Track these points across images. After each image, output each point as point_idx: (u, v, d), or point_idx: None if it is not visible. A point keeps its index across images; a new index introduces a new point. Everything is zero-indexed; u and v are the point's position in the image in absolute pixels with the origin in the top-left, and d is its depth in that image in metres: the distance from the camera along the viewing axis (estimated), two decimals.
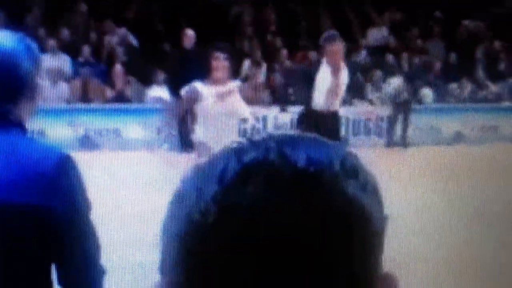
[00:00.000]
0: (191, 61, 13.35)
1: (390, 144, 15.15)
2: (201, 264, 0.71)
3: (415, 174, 10.24)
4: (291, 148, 0.72)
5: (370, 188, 0.74)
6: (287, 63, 16.54)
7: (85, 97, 14.79)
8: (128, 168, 10.72)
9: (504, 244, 7.49)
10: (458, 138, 15.64)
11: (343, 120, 15.12)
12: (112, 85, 15.08)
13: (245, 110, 8.12)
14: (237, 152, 0.73)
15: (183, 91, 8.38)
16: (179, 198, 0.74)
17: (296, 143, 0.73)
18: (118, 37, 16.04)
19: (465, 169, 10.94)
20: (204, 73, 11.29)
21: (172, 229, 0.73)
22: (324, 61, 8.90)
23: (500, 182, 10.12)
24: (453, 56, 17.61)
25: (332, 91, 8.59)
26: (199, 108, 7.90)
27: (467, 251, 7.20)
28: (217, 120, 7.64)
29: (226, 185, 0.71)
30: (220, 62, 7.87)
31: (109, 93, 14.95)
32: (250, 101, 8.32)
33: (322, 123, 8.41)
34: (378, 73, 16.01)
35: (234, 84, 8.10)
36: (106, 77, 15.26)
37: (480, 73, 17.57)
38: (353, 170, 0.73)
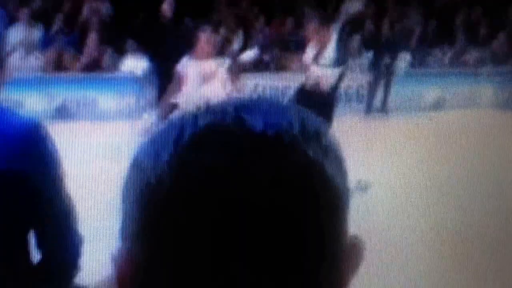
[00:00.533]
0: (169, 30, 13.25)
1: (370, 110, 15.16)
2: (158, 231, 0.70)
3: (395, 140, 10.24)
4: (249, 111, 0.71)
5: (332, 151, 0.73)
6: (265, 30, 16.54)
7: (60, 67, 14.68)
8: (105, 138, 10.66)
9: (486, 210, 7.55)
10: (439, 104, 15.70)
11: None
12: (87, 54, 14.95)
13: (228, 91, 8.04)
14: (194, 116, 0.72)
15: (179, 67, 8.33)
16: (136, 164, 0.73)
17: (254, 106, 0.73)
18: (93, 6, 15.89)
19: (445, 135, 10.99)
20: (182, 42, 11.13)
21: (130, 196, 0.73)
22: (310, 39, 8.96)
23: (480, 148, 10.18)
24: (433, 22, 17.61)
25: (321, 63, 8.64)
26: (183, 84, 7.92)
27: (447, 217, 7.24)
28: (199, 97, 7.60)
29: (181, 149, 0.70)
30: (207, 36, 7.85)
31: (84, 62, 14.84)
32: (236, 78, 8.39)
33: (317, 97, 8.47)
34: (358, 40, 15.96)
35: (221, 63, 8.03)
36: (81, 47, 15.13)
37: (461, 39, 17.58)
38: (314, 133, 0.72)
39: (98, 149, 9.79)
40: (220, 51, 8.23)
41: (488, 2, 17.88)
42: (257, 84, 14.32)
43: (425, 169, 8.96)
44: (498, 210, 7.54)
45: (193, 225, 0.68)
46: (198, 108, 0.73)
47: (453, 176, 8.82)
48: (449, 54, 17.12)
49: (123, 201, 0.74)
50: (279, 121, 0.71)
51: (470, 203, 7.78)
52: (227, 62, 8.22)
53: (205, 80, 7.71)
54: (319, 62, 8.72)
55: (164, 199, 0.69)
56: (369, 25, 16.65)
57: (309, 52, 8.83)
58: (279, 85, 14.55)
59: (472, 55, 17.23)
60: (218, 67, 7.85)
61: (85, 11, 15.85)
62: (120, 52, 15.04)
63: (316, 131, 0.72)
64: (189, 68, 7.80)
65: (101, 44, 15.06)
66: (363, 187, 8.11)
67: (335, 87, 9.19)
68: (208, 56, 7.81)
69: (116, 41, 15.10)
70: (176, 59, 13.52)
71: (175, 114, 0.73)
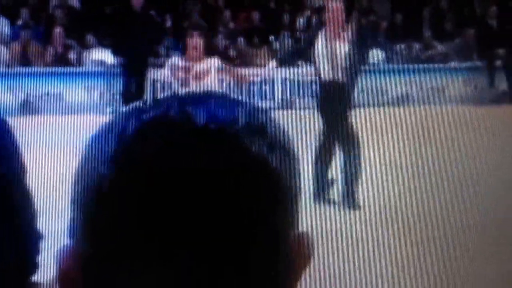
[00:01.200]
0: (138, 22, 13.19)
1: None
2: (101, 227, 0.69)
3: (361, 135, 10.27)
4: (193, 105, 0.71)
5: (279, 145, 0.73)
6: (231, 25, 16.50)
7: (25, 61, 14.54)
8: (71, 133, 10.56)
9: (451, 202, 7.60)
10: (405, 99, 15.74)
11: (287, 83, 15.17)
12: (52, 48, 14.83)
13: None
14: (138, 110, 0.72)
15: (168, 66, 8.35)
16: (83, 161, 0.72)
17: (199, 100, 0.73)
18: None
19: (411, 130, 11.03)
20: (150, 36, 11.02)
21: (76, 192, 0.72)
22: (323, 27, 8.85)
23: (445, 143, 10.25)
24: (399, 16, 17.65)
25: (333, 58, 8.59)
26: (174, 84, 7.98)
27: (413, 209, 7.27)
28: None
29: (124, 144, 0.69)
30: (194, 40, 7.93)
31: (50, 56, 14.72)
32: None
33: (330, 92, 8.44)
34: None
35: (212, 63, 8.09)
36: (47, 40, 15.00)
37: (427, 33, 17.63)
38: (260, 128, 0.72)
39: (64, 144, 9.71)
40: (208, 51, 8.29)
41: None
42: (221, 79, 14.29)
43: (392, 164, 9.01)
44: (466, 204, 7.61)
45: (137, 219, 0.68)
46: (143, 102, 0.73)
47: (419, 170, 8.89)
48: (415, 49, 17.17)
49: (71, 197, 0.73)
50: (224, 115, 0.71)
51: (436, 196, 7.84)
52: (215, 60, 8.28)
53: (201, 79, 7.81)
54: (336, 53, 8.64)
55: (107, 194, 0.69)
56: None
57: (323, 39, 8.68)
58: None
59: (438, 50, 17.31)
60: (210, 66, 7.97)
61: (52, 4, 15.72)
62: (86, 46, 14.94)
63: (261, 124, 0.72)
64: (180, 70, 7.88)
65: (67, 38, 14.95)
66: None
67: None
68: (197, 60, 7.91)
69: (83, 35, 14.99)
70: (143, 53, 13.50)
71: (121, 108, 0.71)
